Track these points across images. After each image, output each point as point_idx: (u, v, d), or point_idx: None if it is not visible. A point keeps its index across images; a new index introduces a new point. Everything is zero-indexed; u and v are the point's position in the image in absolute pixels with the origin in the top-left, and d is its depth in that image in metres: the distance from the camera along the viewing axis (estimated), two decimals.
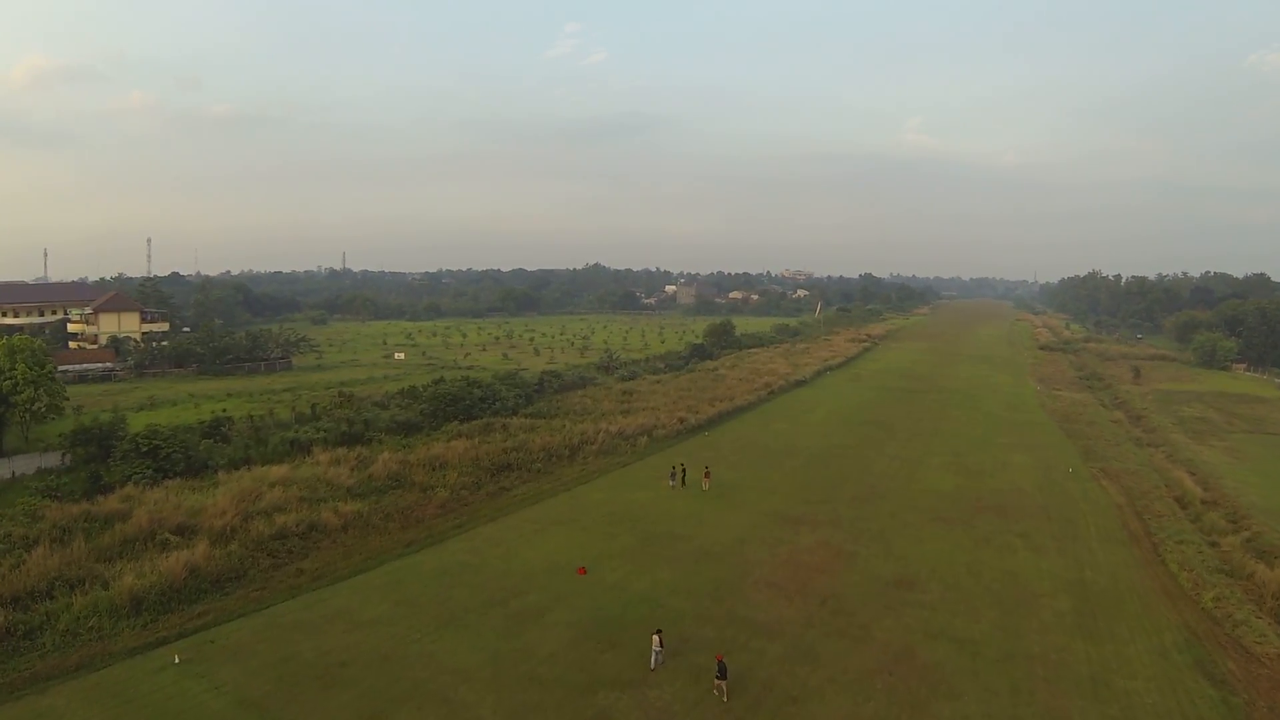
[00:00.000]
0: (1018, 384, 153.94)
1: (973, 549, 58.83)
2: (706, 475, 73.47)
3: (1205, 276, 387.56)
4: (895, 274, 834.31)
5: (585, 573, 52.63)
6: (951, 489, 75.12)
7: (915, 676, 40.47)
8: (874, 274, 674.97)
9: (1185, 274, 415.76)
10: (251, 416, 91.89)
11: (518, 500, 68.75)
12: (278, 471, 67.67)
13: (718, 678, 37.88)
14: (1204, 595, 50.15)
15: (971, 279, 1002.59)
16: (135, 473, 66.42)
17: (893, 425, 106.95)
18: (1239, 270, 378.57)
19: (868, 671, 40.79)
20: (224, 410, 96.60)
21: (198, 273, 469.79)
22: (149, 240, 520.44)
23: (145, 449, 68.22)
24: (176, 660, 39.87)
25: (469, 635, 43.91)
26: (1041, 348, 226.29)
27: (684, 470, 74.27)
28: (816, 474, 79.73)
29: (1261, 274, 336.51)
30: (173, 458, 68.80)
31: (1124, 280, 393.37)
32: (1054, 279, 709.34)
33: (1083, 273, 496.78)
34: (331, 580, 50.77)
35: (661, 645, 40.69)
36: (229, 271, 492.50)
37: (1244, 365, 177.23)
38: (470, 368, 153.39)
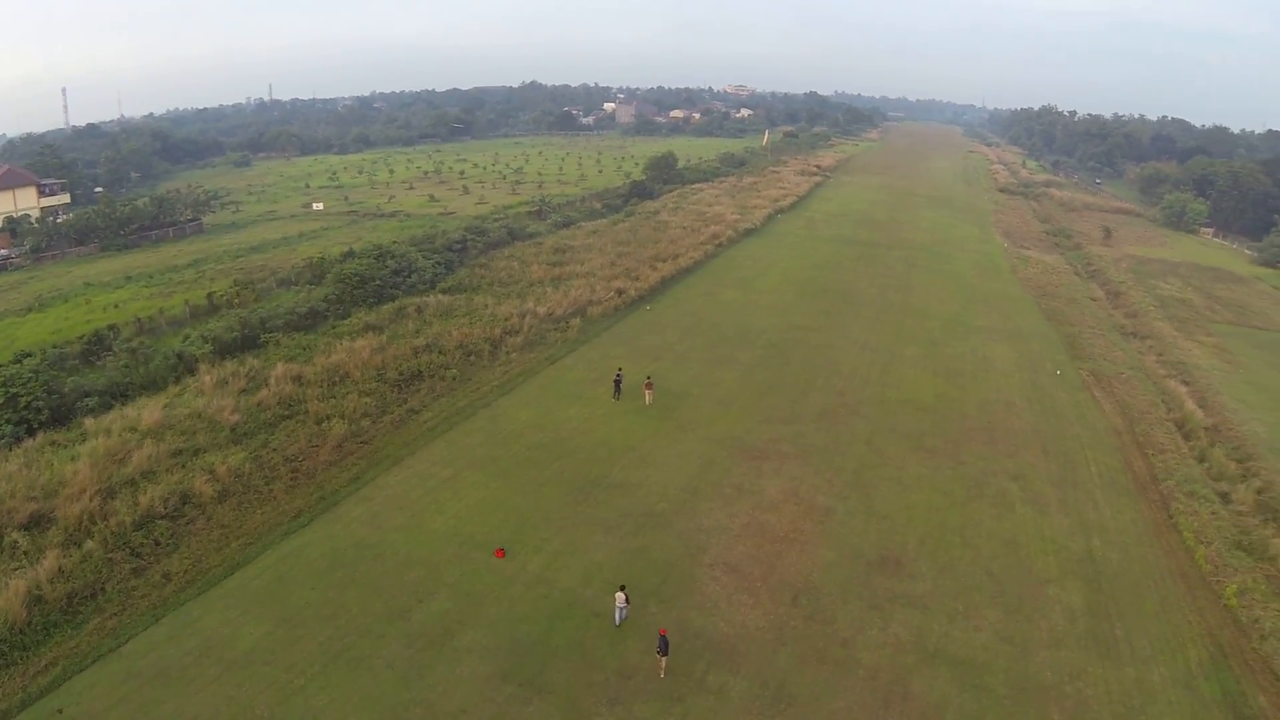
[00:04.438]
0: (983, 238, 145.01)
1: (964, 502, 50.28)
2: (648, 387, 62.82)
3: (1163, 121, 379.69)
4: (840, 92, 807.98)
5: (504, 555, 42.66)
6: (932, 399, 66.26)
7: None
8: (819, 92, 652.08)
9: (1143, 116, 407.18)
10: (139, 320, 79.38)
11: (427, 429, 57.50)
12: (151, 414, 55.67)
13: (659, 653, 33.93)
14: (1226, 587, 43.04)
15: (918, 100, 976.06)
16: None
17: (857, 296, 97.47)
18: (1195, 118, 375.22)
19: None
20: (115, 306, 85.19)
21: (121, 116, 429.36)
22: (64, 90, 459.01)
23: (2, 399, 55.94)
24: None
25: (362, 677, 34.14)
26: (1001, 190, 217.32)
27: (621, 376, 63.52)
28: (776, 373, 70.07)
29: (1222, 126, 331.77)
30: (34, 406, 56.44)
31: (1078, 117, 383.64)
32: (1003, 106, 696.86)
33: (1034, 104, 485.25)
34: (203, 586, 39.94)
35: (627, 601, 37.07)
36: (152, 114, 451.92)
37: (1211, 230, 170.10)
38: (394, 214, 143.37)
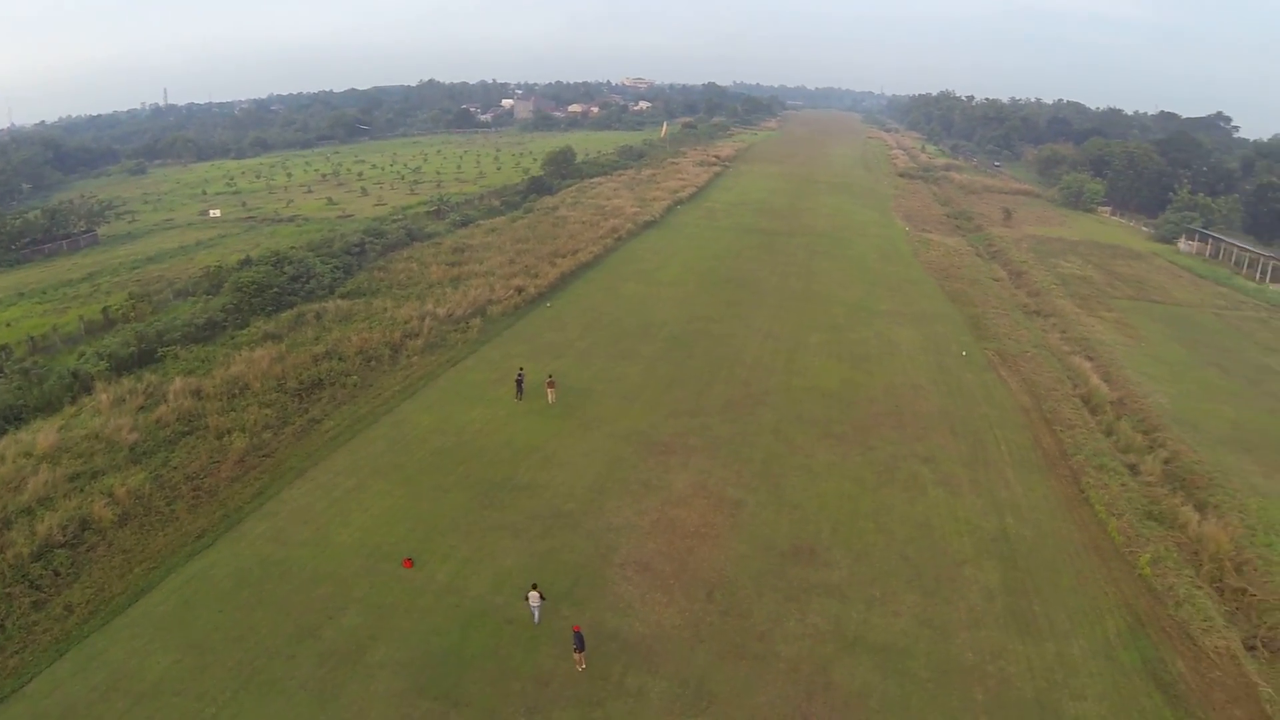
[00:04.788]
0: (884, 223, 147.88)
1: (876, 487, 51.02)
2: (550, 385, 62.52)
3: (1059, 104, 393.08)
4: (739, 82, 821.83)
5: (412, 565, 42.06)
6: (838, 385, 67.12)
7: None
8: (717, 83, 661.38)
9: (1039, 100, 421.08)
10: (33, 338, 76.82)
11: (330, 438, 56.46)
12: (46, 438, 53.77)
13: (576, 650, 34.44)
14: (1140, 557, 44.46)
15: (817, 88, 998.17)
16: None
17: (759, 285, 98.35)
18: (1090, 101, 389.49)
19: (777, 718, 32.64)
20: (7, 325, 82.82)
21: (11, 125, 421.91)
22: None
23: None
24: None
25: (275, 700, 33.26)
26: (901, 174, 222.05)
27: (522, 375, 63.29)
28: (680, 366, 70.28)
29: (1116, 108, 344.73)
30: None
31: (976, 101, 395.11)
32: (901, 92, 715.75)
33: (931, 89, 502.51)
34: (107, 615, 38.53)
35: (542, 598, 37.35)
36: (44, 122, 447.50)
37: (1109, 209, 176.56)
38: (292, 218, 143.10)
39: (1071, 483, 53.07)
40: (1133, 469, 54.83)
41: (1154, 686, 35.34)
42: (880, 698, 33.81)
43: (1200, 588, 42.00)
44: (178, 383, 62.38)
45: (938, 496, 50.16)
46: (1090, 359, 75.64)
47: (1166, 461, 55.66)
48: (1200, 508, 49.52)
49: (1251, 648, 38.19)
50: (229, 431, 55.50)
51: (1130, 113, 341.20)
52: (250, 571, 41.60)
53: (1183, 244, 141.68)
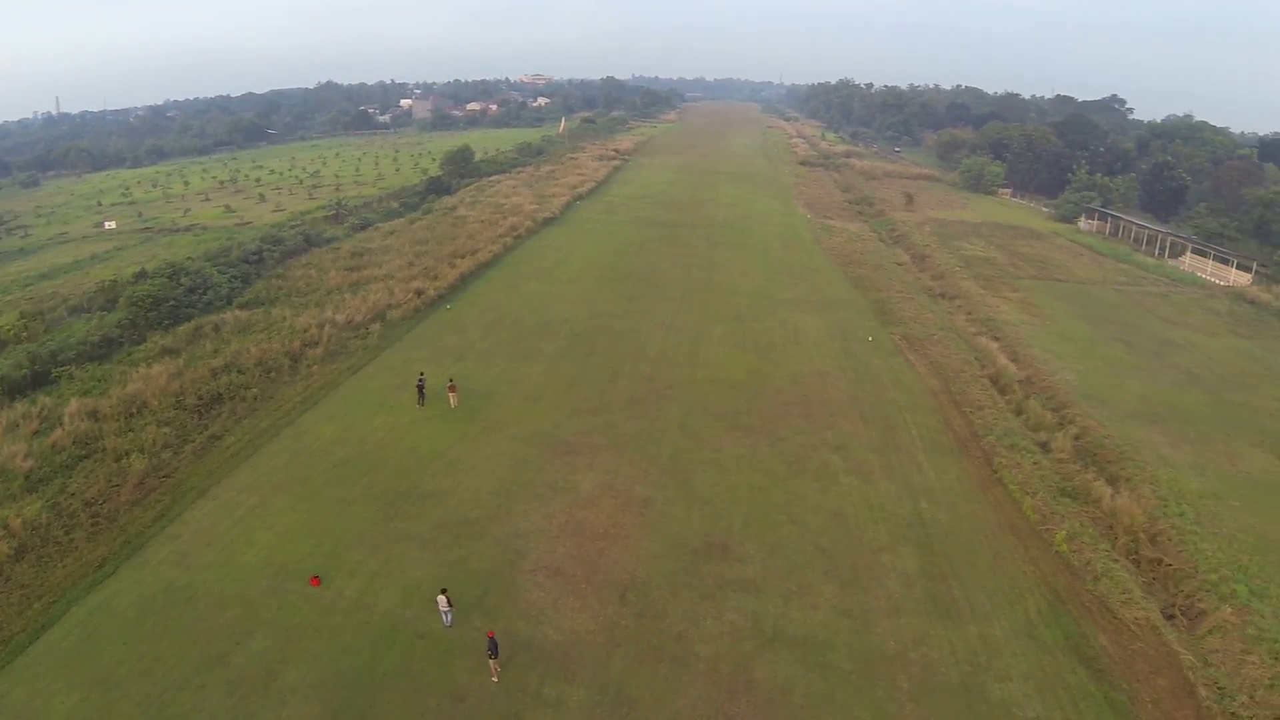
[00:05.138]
0: (786, 211, 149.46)
1: (786, 478, 51.17)
2: (452, 389, 61.72)
3: (958, 90, 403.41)
4: (638, 75, 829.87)
5: (319, 582, 41.02)
6: (744, 376, 67.38)
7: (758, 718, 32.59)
8: (616, 76, 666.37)
9: (938, 86, 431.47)
10: None
11: (231, 454, 54.83)
12: None
13: (490, 657, 34.23)
14: (1055, 534, 45.55)
15: (716, 79, 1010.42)
16: None
17: (660, 278, 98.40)
18: (988, 86, 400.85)
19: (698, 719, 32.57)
20: None
21: None
22: None
23: None
24: None
25: None
26: (801, 163, 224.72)
27: (423, 380, 62.51)
28: (582, 363, 69.92)
29: (1014, 93, 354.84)
30: None
31: (875, 88, 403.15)
32: (801, 81, 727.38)
33: (830, 78, 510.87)
34: (7, 656, 36.64)
35: (450, 605, 37.43)
36: None
37: (1009, 190, 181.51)
38: (189, 228, 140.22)
39: (984, 464, 54.02)
40: (1044, 447, 56.16)
41: (1077, 662, 36.17)
42: (804, 692, 33.81)
43: (1117, 561, 43.23)
44: (73, 404, 60.70)
45: (850, 484, 50.55)
46: (997, 339, 77.35)
47: (1077, 438, 57.29)
48: (1112, 482, 51.13)
49: (1170, 616, 39.48)
50: (127, 453, 53.94)
51: (1027, 97, 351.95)
52: (154, 599, 40.21)
53: (1083, 223, 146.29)
